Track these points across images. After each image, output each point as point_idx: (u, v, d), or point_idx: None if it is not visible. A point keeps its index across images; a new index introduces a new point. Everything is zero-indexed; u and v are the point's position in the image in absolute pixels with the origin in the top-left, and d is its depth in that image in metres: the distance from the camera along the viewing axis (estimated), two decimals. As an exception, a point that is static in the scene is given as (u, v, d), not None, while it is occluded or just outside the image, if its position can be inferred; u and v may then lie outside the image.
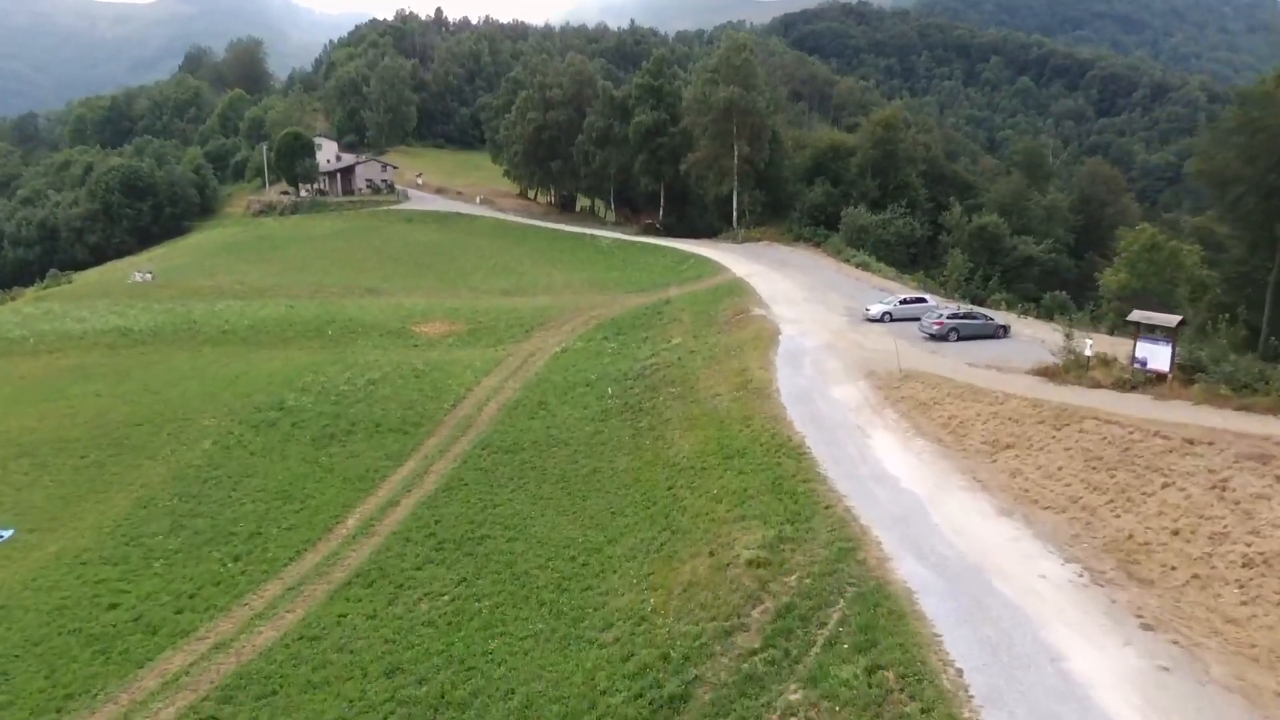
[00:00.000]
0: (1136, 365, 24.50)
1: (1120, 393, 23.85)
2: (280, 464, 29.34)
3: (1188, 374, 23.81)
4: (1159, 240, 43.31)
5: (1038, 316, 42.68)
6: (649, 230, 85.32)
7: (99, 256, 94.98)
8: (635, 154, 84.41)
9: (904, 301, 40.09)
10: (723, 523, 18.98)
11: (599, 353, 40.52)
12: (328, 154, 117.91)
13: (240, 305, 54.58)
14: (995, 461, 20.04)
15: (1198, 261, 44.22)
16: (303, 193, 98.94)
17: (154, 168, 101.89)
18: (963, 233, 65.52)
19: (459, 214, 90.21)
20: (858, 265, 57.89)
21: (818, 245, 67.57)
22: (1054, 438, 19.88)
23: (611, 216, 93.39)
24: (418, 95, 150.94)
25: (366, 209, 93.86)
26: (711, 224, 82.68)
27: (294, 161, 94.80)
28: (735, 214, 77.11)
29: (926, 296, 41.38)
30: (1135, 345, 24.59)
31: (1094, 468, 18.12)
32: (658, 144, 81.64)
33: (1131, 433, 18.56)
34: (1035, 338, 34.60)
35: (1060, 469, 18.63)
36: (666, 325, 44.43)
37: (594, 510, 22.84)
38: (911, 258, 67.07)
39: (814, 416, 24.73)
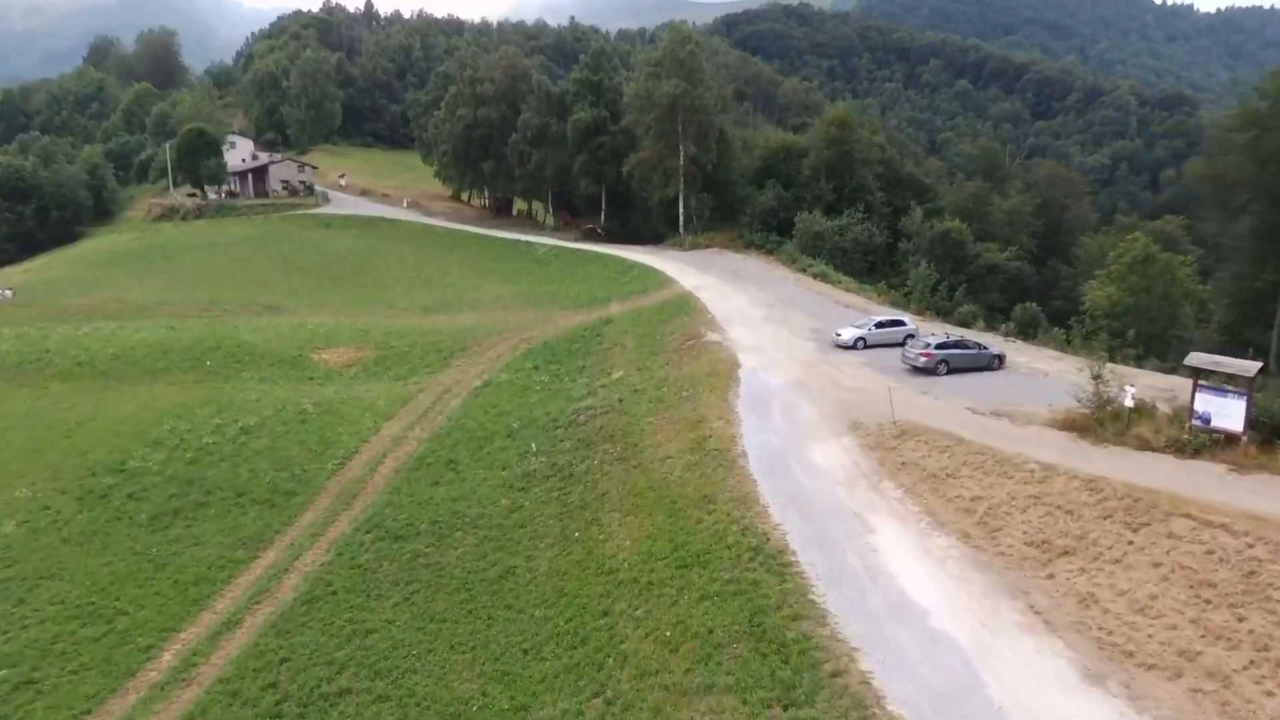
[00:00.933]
0: (1196, 422, 19.36)
1: (1179, 458, 18.66)
2: (98, 557, 22.46)
3: (1264, 434, 18.75)
4: (1152, 251, 38.98)
5: (1023, 337, 37.88)
6: (590, 236, 79.21)
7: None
8: (574, 154, 78.20)
9: (880, 325, 34.81)
10: (680, 694, 13.10)
11: (526, 388, 34.27)
12: (242, 153, 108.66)
13: (111, 328, 46.54)
14: (1052, 577, 14.64)
15: (1191, 274, 40.03)
16: (210, 195, 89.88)
17: (39, 167, 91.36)
18: (923, 239, 61.05)
19: (383, 219, 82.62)
20: (816, 276, 52.77)
21: (770, 253, 62.48)
22: (1131, 543, 14.57)
23: (550, 221, 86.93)
24: (344, 91, 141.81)
25: (281, 213, 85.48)
26: (657, 229, 76.97)
27: (198, 161, 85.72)
28: (682, 219, 71.52)
29: (904, 319, 36.18)
30: (1193, 396, 19.46)
31: (1207, 600, 12.81)
32: (598, 143, 75.59)
33: (1250, 543, 13.25)
34: (1034, 369, 29.64)
35: (1154, 599, 13.29)
36: (607, 351, 38.41)
37: (501, 646, 16.70)
38: (870, 266, 62.34)
39: (794, 496, 19.05)
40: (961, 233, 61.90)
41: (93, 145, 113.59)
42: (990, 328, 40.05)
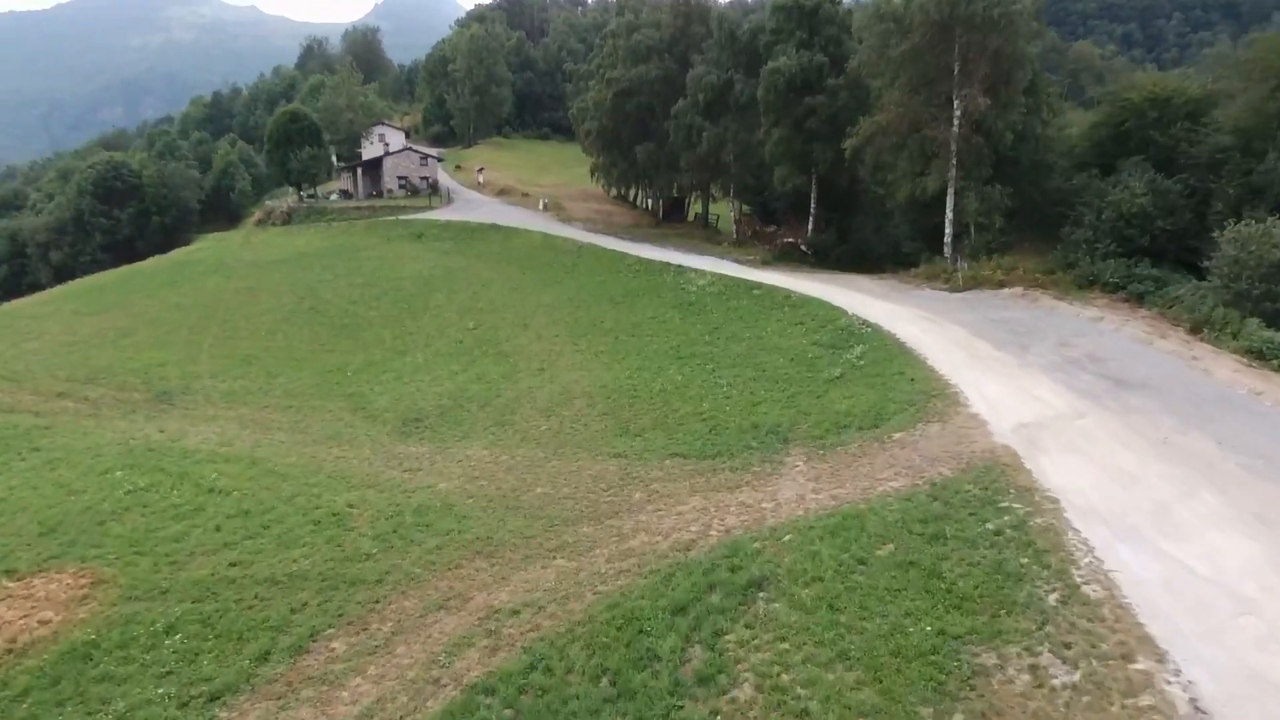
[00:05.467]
0: None
1: None
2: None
3: None
4: None
5: None
6: (787, 254, 50.18)
7: (63, 277, 72.41)
8: (770, 127, 49.69)
9: None
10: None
11: None
12: (394, 148, 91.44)
13: None
14: None
15: None
16: (309, 195, 71.78)
17: (144, 165, 78.35)
18: None
19: (496, 227, 58.85)
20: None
21: (1142, 303, 30.28)
22: None
23: (731, 232, 58.69)
24: (521, 75, 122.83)
25: (378, 217, 65.00)
26: (898, 248, 46.51)
27: (288, 152, 67.49)
28: (950, 230, 40.45)
29: None
30: None
31: None
32: (807, 107, 46.46)
33: None
34: None
35: None
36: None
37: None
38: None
39: None
40: None
41: (227, 141, 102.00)
42: None
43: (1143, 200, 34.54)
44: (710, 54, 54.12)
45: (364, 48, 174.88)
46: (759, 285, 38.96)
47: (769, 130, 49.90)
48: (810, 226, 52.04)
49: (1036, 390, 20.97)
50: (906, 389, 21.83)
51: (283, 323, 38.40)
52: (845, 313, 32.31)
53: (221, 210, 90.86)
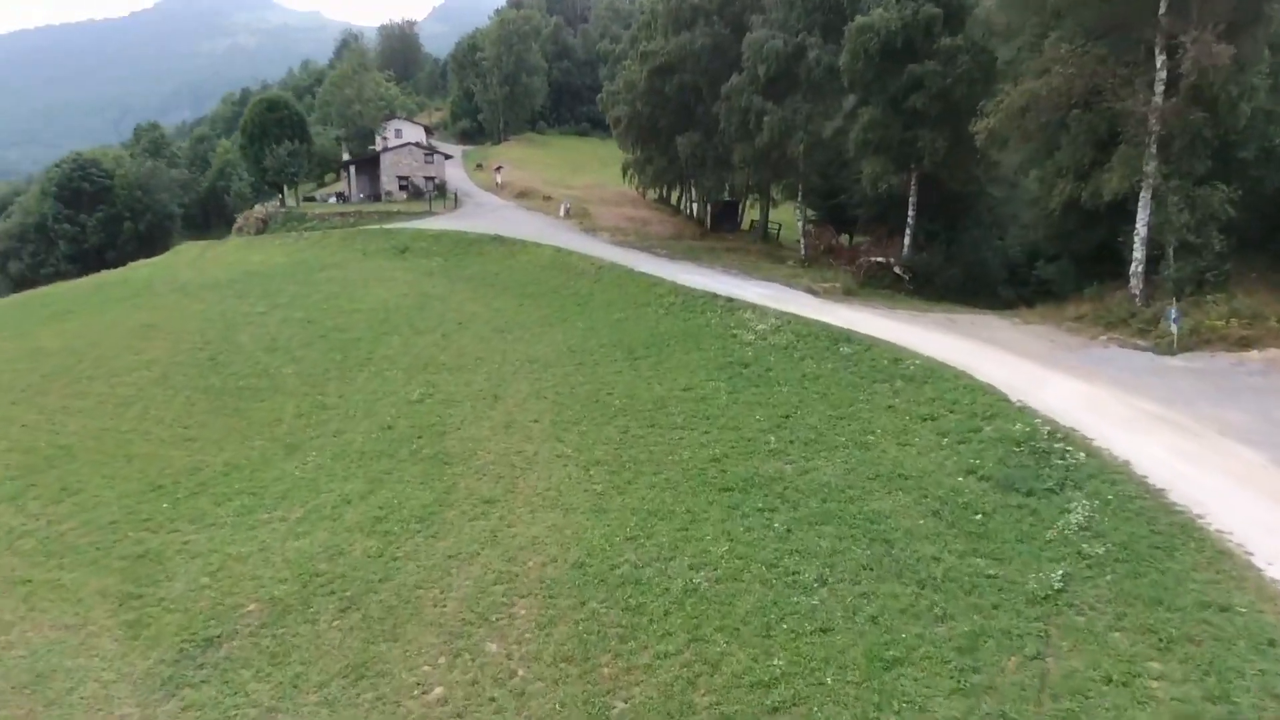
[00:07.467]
0: None
1: None
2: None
3: None
4: None
5: None
6: (874, 278, 36.95)
7: (23, 291, 62.92)
8: (854, 109, 37.02)
9: None
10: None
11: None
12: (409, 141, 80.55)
13: None
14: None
15: None
16: (291, 199, 60.88)
17: (117, 164, 68.52)
18: None
19: (500, 239, 46.76)
20: None
21: None
22: None
23: (800, 248, 45.45)
24: (558, 65, 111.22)
25: (362, 225, 53.63)
26: (1016, 271, 33.60)
27: (264, 147, 56.55)
28: (1139, 252, 26.78)
29: None
30: None
31: None
32: (911, 78, 33.34)
33: None
34: None
35: None
36: None
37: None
38: None
39: None
40: None
41: (228, 139, 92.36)
42: None
43: None
44: (774, 13, 41.13)
45: (400, 42, 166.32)
46: (848, 335, 25.87)
47: (855, 111, 36.91)
48: (907, 241, 38.66)
49: None
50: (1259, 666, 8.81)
51: (155, 385, 26.69)
52: (1006, 399, 19.21)
53: (219, 215, 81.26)
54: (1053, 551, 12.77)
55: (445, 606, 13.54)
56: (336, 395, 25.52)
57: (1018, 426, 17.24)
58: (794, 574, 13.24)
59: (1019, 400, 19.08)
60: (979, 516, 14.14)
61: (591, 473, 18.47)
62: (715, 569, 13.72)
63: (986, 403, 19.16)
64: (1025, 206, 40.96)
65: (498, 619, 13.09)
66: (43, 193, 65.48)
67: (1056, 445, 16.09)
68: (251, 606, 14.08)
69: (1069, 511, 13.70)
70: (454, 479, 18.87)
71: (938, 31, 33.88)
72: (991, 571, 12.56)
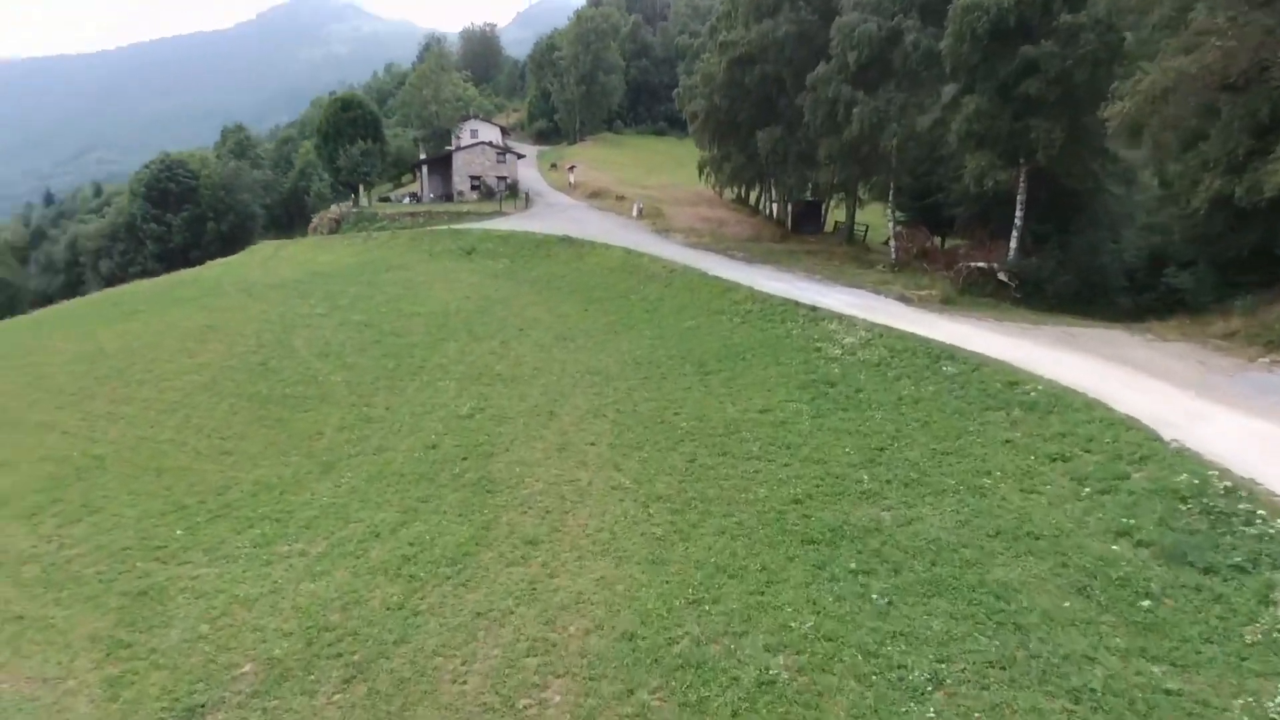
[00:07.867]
0: None
1: None
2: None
3: None
4: None
5: None
6: (973, 285, 33.26)
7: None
8: (955, 99, 33.54)
9: None
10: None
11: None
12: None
13: None
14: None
15: None
16: (363, 200, 60.50)
17: (203, 165, 69.87)
18: None
19: (570, 240, 44.75)
20: None
21: None
22: None
23: (890, 251, 41.89)
24: (636, 64, 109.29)
25: (430, 226, 52.58)
26: (1134, 276, 29.45)
27: (338, 147, 56.22)
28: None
29: None
30: None
31: None
32: (1024, 61, 29.65)
33: None
34: None
35: None
36: None
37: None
38: None
39: None
40: None
41: (310, 140, 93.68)
42: None
43: None
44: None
45: (480, 44, 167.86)
46: (950, 352, 22.61)
47: (956, 100, 33.31)
48: (1013, 245, 34.73)
49: None
50: None
51: (201, 390, 25.50)
52: (1157, 438, 15.74)
53: (301, 215, 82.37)
54: (1260, 662, 9.53)
55: (465, 683, 11.18)
56: (383, 407, 23.73)
57: (1182, 477, 13.83)
58: (899, 669, 10.37)
59: (1173, 440, 15.60)
60: (1146, 602, 10.94)
61: (651, 510, 15.92)
62: (798, 653, 10.96)
63: (1132, 441, 15.75)
64: (1143, 205, 36.66)
65: (526, 706, 10.65)
66: (132, 193, 67.44)
67: (1240, 506, 12.67)
68: (247, 667, 12.05)
69: (1274, 602, 10.39)
70: (496, 511, 16.61)
71: (1057, 8, 30.02)
72: (1172, 686, 9.42)
